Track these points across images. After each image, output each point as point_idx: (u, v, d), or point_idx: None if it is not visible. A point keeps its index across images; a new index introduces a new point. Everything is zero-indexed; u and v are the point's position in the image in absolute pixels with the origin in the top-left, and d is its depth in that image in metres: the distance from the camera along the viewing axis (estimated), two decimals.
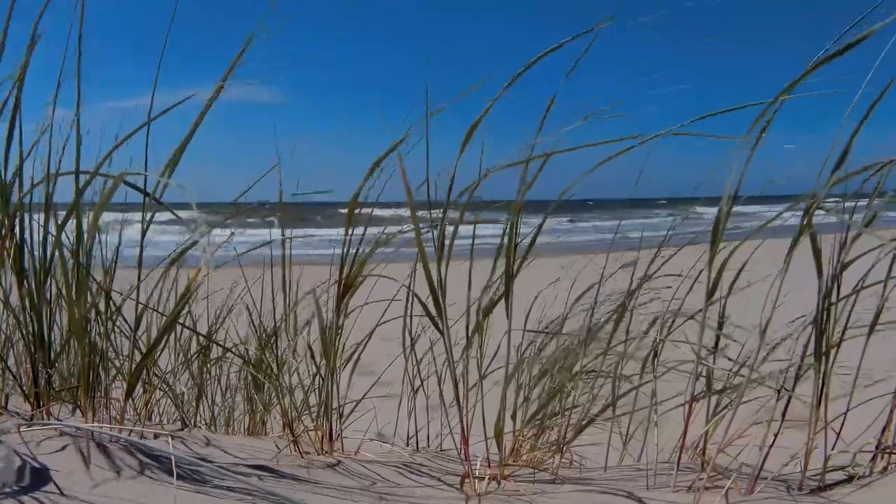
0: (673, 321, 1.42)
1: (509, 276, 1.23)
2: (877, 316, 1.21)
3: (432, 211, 1.20)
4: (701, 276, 1.35)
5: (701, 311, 1.24)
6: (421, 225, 1.20)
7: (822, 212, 1.10)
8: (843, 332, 1.21)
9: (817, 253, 1.15)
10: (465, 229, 1.26)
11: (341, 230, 1.37)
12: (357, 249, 1.40)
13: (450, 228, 1.22)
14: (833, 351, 1.19)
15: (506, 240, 1.23)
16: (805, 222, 1.10)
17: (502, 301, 1.27)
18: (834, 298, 1.18)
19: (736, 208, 1.12)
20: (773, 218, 1.18)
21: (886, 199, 1.15)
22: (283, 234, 1.50)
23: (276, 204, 1.47)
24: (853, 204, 1.19)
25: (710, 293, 1.18)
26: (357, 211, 1.33)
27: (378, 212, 1.38)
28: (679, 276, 1.44)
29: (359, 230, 1.40)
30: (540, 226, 1.30)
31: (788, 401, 1.19)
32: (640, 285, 1.43)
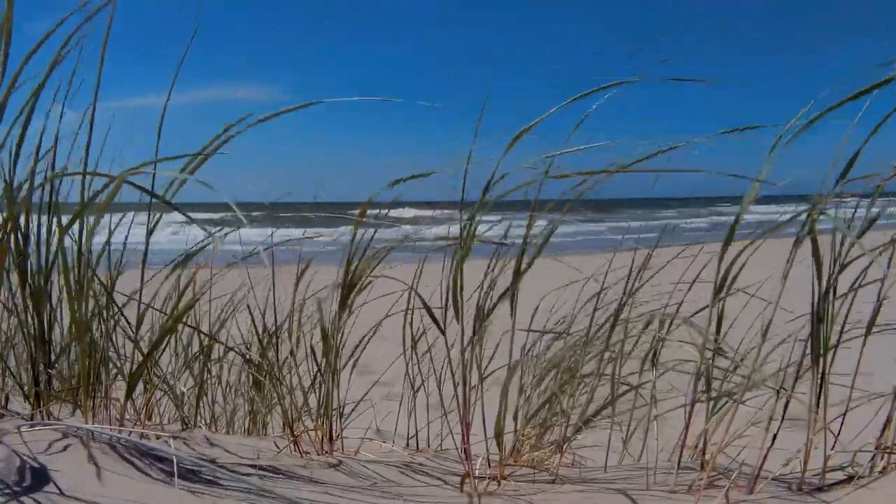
0: (671, 321, 1.42)
1: (516, 275, 1.24)
2: (874, 316, 1.21)
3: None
4: (702, 275, 1.36)
5: (699, 310, 1.24)
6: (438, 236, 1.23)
7: (822, 217, 1.11)
8: (841, 333, 1.21)
9: (816, 254, 1.16)
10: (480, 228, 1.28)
11: (362, 230, 1.39)
12: (362, 253, 1.42)
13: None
14: (831, 351, 1.19)
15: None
16: (807, 230, 1.11)
17: (506, 301, 1.27)
18: (831, 299, 1.18)
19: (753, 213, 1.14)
20: (777, 227, 1.19)
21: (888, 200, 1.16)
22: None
23: (294, 204, 1.49)
24: (855, 203, 1.19)
25: (718, 291, 1.19)
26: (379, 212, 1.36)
27: (401, 213, 1.40)
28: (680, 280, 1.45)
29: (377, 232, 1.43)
30: (546, 227, 1.32)
31: (787, 400, 1.19)
32: (632, 283, 1.43)
